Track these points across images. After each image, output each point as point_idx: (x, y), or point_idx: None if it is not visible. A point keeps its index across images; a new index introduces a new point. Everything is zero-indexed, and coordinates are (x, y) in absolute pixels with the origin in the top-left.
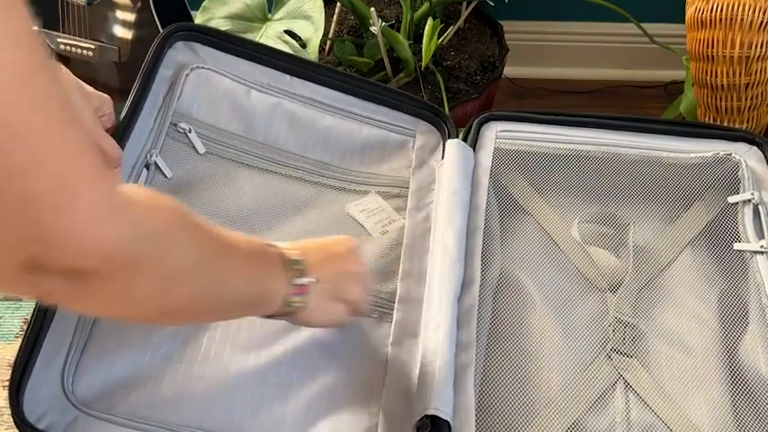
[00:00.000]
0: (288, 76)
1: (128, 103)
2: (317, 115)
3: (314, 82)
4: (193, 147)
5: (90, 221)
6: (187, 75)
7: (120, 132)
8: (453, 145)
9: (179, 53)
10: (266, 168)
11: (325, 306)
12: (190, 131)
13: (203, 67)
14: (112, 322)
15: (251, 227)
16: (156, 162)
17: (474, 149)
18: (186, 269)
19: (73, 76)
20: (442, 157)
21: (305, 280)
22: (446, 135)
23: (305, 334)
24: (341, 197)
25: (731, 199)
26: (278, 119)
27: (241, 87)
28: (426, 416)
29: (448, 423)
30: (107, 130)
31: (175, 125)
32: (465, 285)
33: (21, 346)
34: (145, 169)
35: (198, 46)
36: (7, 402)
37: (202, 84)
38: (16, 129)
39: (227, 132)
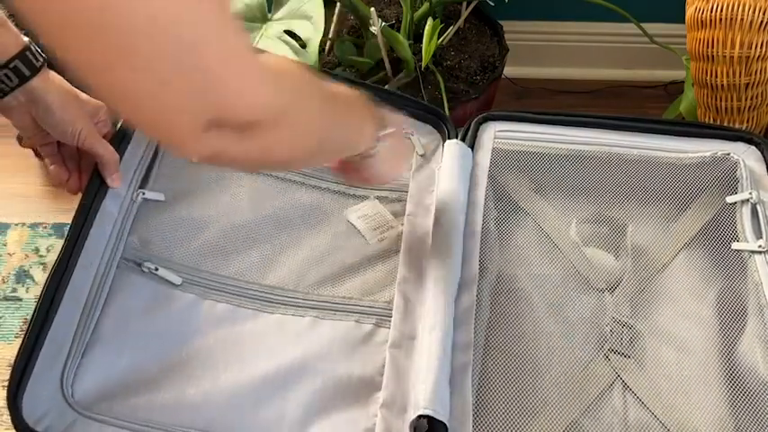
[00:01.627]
0: None
1: None
2: None
3: None
4: None
5: (253, 86)
6: None
7: (121, 135)
8: (451, 145)
9: None
10: (265, 172)
11: (390, 157)
12: None
13: None
14: (112, 325)
15: (249, 231)
16: (156, 164)
17: (472, 149)
18: (312, 118)
19: (69, 84)
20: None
21: (385, 128)
22: (446, 137)
23: (303, 336)
24: (340, 202)
25: (729, 199)
26: None
27: None
28: (423, 416)
29: (444, 424)
30: (104, 136)
31: None
32: (463, 286)
33: (20, 348)
34: (146, 170)
35: None
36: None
37: None
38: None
39: None
